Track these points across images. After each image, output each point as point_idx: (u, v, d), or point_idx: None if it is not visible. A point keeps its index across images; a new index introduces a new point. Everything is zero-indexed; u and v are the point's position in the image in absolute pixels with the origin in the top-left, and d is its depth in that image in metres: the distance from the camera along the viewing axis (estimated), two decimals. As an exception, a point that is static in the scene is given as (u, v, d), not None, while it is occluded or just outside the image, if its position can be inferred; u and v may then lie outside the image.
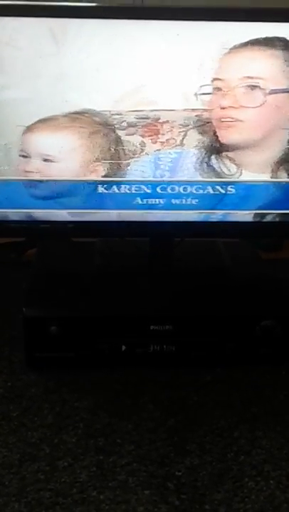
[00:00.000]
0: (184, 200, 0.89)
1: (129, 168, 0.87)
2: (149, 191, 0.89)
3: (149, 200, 0.89)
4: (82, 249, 1.04)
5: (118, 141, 0.86)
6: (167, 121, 0.85)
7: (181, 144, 0.87)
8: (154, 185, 0.88)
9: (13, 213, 0.89)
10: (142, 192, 0.89)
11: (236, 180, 0.89)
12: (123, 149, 0.86)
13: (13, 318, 0.96)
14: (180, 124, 0.85)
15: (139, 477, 0.71)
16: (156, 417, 0.81)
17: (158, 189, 0.89)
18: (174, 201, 0.90)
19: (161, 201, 0.90)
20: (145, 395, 0.84)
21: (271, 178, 0.89)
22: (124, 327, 0.87)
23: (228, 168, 0.88)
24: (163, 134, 0.86)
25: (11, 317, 0.98)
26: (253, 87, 0.83)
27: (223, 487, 0.70)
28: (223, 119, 0.85)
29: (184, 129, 0.85)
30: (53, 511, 0.66)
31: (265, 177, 0.89)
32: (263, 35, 0.81)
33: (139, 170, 0.88)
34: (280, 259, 1.18)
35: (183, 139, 0.86)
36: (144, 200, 0.90)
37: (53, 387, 0.85)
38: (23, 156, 0.86)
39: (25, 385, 0.85)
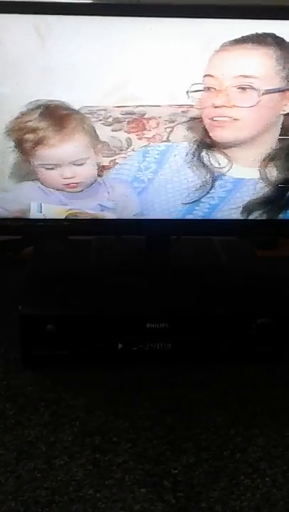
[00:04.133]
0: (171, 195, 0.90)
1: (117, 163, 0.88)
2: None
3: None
4: (79, 247, 1.04)
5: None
6: (153, 117, 0.85)
7: (168, 139, 0.87)
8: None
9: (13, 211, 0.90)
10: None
11: (226, 173, 0.89)
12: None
13: (9, 317, 0.96)
14: (166, 120, 0.86)
15: (135, 475, 0.71)
16: (153, 415, 0.81)
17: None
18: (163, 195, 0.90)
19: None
20: (141, 393, 0.84)
21: (260, 173, 0.89)
22: (120, 325, 0.87)
23: (218, 162, 0.88)
24: (149, 130, 0.86)
25: (7, 315, 0.98)
26: (247, 86, 0.83)
27: (219, 485, 0.70)
28: (215, 118, 0.85)
29: (170, 125, 0.86)
30: (49, 510, 0.66)
31: (254, 171, 0.89)
32: (254, 33, 0.81)
33: (128, 163, 0.88)
34: (275, 257, 1.18)
35: (169, 135, 0.86)
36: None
37: (50, 386, 0.85)
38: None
39: (21, 384, 0.86)
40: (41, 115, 0.83)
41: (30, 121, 0.83)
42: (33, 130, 0.83)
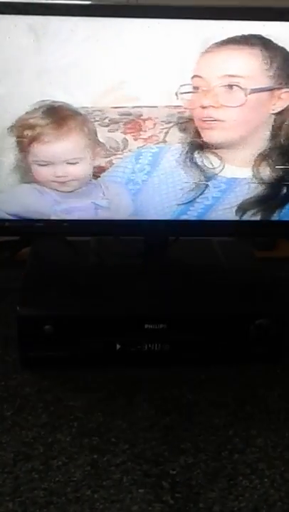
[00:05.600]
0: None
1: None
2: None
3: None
4: (77, 248, 1.04)
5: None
6: (150, 118, 0.85)
7: (164, 140, 0.87)
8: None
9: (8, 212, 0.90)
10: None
11: (219, 174, 0.89)
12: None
13: (7, 318, 0.96)
14: (162, 121, 0.86)
15: (133, 476, 0.71)
16: (151, 415, 0.81)
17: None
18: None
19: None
20: (139, 394, 0.84)
21: (253, 173, 0.89)
22: (118, 326, 0.87)
23: (210, 162, 0.88)
24: (145, 131, 0.86)
25: (5, 316, 0.98)
26: (234, 86, 0.83)
27: (217, 485, 0.70)
28: (204, 119, 0.85)
29: (166, 126, 0.86)
30: (47, 510, 0.66)
31: (247, 171, 0.89)
32: (240, 34, 0.81)
33: (122, 165, 0.88)
34: (274, 258, 1.18)
35: (165, 135, 0.86)
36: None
37: (47, 387, 0.85)
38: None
39: (19, 384, 0.85)
40: (44, 113, 0.83)
41: (32, 118, 0.84)
42: (32, 126, 0.84)
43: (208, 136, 0.87)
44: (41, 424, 0.78)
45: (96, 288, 0.92)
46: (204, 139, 0.87)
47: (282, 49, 0.83)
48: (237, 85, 0.83)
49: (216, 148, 0.88)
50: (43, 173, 0.87)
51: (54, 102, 0.83)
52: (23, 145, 0.85)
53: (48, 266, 1.01)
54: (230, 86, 0.83)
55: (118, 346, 0.87)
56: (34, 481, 0.70)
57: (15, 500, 0.67)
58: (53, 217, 0.90)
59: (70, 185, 0.88)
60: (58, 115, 0.84)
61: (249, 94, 0.83)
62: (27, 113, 0.83)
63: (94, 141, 0.86)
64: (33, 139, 0.84)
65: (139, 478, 0.71)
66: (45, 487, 0.69)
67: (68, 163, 0.86)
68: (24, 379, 0.86)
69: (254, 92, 0.84)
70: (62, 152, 0.85)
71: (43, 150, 0.85)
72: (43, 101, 0.83)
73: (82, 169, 0.87)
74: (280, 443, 0.77)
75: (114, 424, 0.79)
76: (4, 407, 0.81)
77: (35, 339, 0.86)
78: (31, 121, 0.84)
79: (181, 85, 0.83)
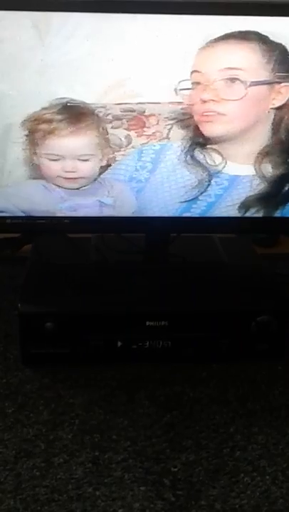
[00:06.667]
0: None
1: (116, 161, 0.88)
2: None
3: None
4: (78, 244, 1.04)
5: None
6: (153, 115, 0.85)
7: (167, 137, 0.87)
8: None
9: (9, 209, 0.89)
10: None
11: (221, 171, 0.89)
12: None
13: (8, 315, 0.96)
14: (166, 117, 0.85)
15: (134, 473, 0.71)
16: (152, 413, 0.81)
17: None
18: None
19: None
20: (141, 391, 0.84)
21: (255, 170, 0.89)
22: (119, 323, 0.87)
23: (212, 160, 0.88)
24: (148, 127, 0.86)
25: (6, 313, 0.98)
26: (233, 79, 0.83)
27: (219, 483, 0.70)
28: (204, 113, 0.85)
29: (169, 123, 0.86)
30: (48, 508, 0.66)
31: (250, 168, 0.89)
32: (238, 29, 0.81)
33: (124, 163, 0.88)
34: (275, 254, 1.18)
35: (169, 132, 0.86)
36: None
37: (49, 384, 0.85)
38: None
39: (20, 382, 0.85)
40: (60, 109, 0.84)
41: (48, 113, 0.84)
42: (48, 121, 0.84)
43: (209, 130, 0.86)
44: (42, 422, 0.78)
45: (97, 285, 0.92)
46: (204, 133, 0.86)
47: (280, 44, 0.83)
48: (237, 78, 0.83)
49: (216, 144, 0.88)
50: (52, 167, 0.87)
51: (72, 99, 0.83)
52: (35, 139, 0.85)
53: (49, 263, 1.00)
54: (230, 79, 0.83)
55: (119, 343, 0.87)
56: (35, 478, 0.70)
57: (16, 497, 0.67)
58: (57, 215, 0.90)
59: (78, 183, 0.88)
60: (74, 112, 0.84)
61: (249, 86, 0.83)
62: (42, 108, 0.83)
63: (105, 141, 0.86)
64: (48, 133, 0.84)
65: (140, 475, 0.71)
66: (47, 484, 0.69)
67: (79, 160, 0.86)
68: (25, 376, 0.86)
69: (254, 85, 0.84)
70: (75, 148, 0.85)
71: (56, 144, 0.85)
72: (61, 98, 0.83)
73: (91, 167, 0.87)
74: (281, 440, 0.77)
75: (115, 421, 0.79)
76: (6, 404, 0.81)
77: (36, 336, 0.86)
78: (47, 116, 0.84)
79: (180, 81, 0.83)
